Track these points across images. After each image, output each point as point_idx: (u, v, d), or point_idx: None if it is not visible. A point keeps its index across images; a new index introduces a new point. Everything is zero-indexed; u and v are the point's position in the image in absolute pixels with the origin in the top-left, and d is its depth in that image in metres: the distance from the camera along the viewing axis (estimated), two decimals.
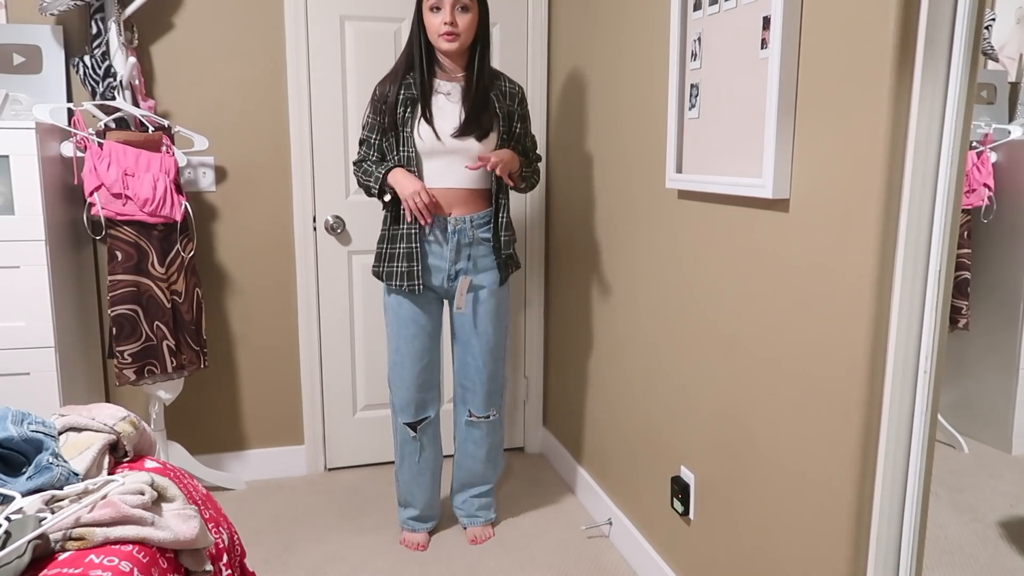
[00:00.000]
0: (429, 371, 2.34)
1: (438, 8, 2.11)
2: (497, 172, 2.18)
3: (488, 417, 2.41)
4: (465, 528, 2.51)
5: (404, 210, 2.18)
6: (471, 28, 2.14)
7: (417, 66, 2.18)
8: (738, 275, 1.69)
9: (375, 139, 2.25)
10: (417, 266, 2.22)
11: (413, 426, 2.36)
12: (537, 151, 2.41)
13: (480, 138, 2.19)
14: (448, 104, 2.19)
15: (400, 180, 2.16)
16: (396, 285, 2.24)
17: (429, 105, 2.17)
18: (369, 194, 2.26)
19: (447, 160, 2.20)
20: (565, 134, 2.79)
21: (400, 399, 2.34)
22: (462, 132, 2.17)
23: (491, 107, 2.21)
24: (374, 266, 2.31)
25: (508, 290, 2.38)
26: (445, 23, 2.10)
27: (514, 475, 2.97)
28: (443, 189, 2.21)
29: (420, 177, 2.20)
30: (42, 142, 2.22)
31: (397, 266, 2.23)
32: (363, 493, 2.80)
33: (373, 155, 2.25)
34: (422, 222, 2.18)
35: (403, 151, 2.20)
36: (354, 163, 2.32)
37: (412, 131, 2.18)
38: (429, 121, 2.17)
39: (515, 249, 2.33)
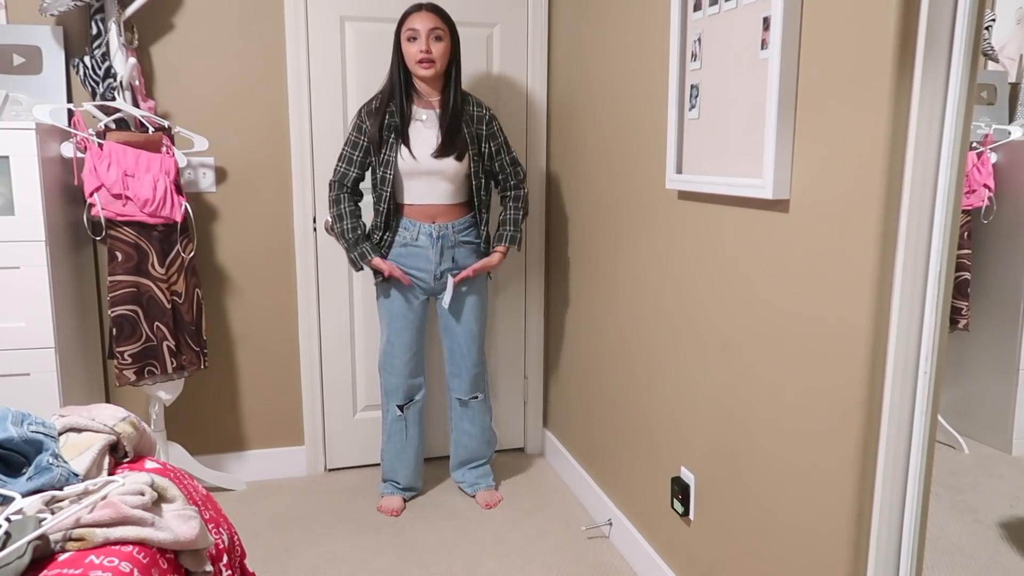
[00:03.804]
0: (416, 360, 2.61)
1: (415, 38, 2.35)
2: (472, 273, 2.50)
3: (475, 398, 2.68)
4: (473, 496, 2.75)
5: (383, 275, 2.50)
6: (445, 55, 2.39)
7: (397, 93, 2.42)
8: (738, 275, 1.69)
9: (357, 157, 2.47)
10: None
11: (401, 407, 2.62)
12: (520, 166, 2.60)
13: (459, 158, 2.44)
14: (424, 130, 2.45)
15: (377, 264, 2.46)
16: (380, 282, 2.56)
17: (407, 131, 2.43)
18: (340, 241, 2.52)
19: (427, 180, 2.46)
20: (565, 134, 2.79)
21: (391, 384, 2.61)
22: (441, 154, 2.42)
23: (463, 131, 2.46)
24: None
25: (487, 286, 2.67)
26: (421, 51, 2.34)
27: (514, 475, 2.97)
28: (425, 204, 2.48)
29: (401, 194, 2.48)
30: (42, 143, 2.22)
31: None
32: (363, 493, 2.80)
33: (353, 171, 2.48)
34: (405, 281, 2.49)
35: (382, 171, 2.45)
36: (332, 183, 2.51)
37: (394, 155, 2.42)
38: (408, 146, 2.42)
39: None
